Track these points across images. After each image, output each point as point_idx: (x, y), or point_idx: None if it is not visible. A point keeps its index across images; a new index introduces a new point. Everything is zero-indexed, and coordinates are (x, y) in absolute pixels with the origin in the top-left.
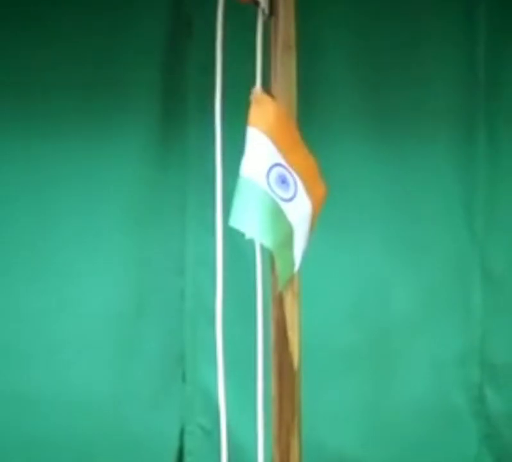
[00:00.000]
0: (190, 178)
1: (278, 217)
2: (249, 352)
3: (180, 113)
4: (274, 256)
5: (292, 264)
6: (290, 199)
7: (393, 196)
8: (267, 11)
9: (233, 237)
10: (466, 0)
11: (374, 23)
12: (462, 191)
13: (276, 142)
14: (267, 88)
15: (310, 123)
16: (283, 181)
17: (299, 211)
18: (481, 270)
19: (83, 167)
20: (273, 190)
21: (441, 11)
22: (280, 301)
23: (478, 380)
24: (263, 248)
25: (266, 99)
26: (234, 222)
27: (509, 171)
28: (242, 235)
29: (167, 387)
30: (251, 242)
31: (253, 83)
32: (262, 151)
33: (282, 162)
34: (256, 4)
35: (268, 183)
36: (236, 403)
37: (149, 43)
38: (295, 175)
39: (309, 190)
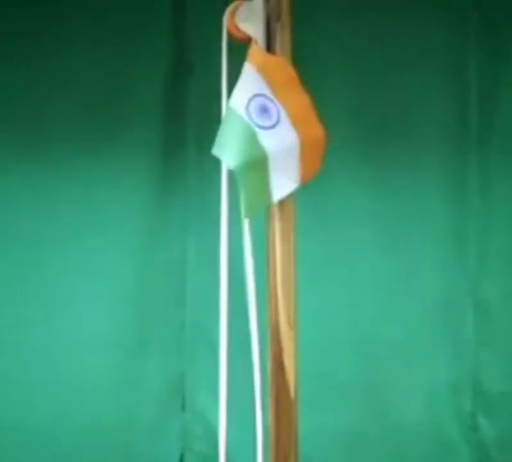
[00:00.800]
0: (191, 211)
1: (249, 141)
2: (248, 381)
3: (181, 152)
4: (238, 178)
5: (266, 194)
6: (271, 128)
7: (384, 227)
8: (264, 49)
9: (235, 270)
10: (457, 30)
11: (363, 53)
12: (454, 221)
13: (266, 77)
14: None
15: None
16: (264, 110)
17: (280, 141)
18: (473, 300)
19: (84, 198)
20: (251, 118)
21: (432, 40)
22: (276, 331)
23: (470, 409)
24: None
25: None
26: (216, 151)
27: (501, 201)
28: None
29: (166, 416)
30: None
31: None
32: (249, 82)
33: (268, 93)
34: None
35: (247, 111)
36: (235, 431)
37: (151, 84)
38: (281, 107)
39: (298, 126)
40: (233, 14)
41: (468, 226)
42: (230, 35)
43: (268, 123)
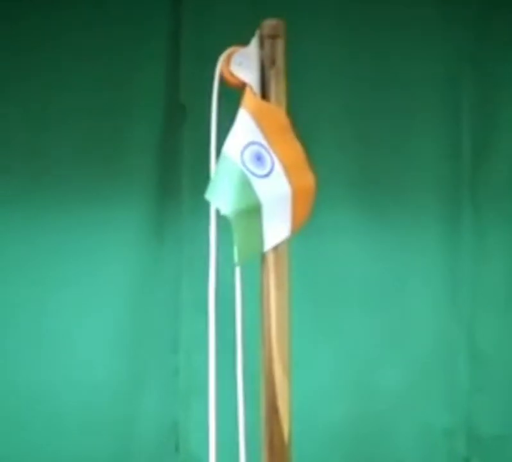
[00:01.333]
0: (185, 256)
1: (244, 188)
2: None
3: (176, 196)
4: (232, 225)
5: (259, 241)
6: (264, 176)
7: (380, 274)
8: (259, 95)
9: (225, 317)
10: (451, 72)
11: (356, 98)
12: (448, 267)
13: (261, 125)
14: None
15: None
16: (258, 158)
17: (273, 190)
18: (467, 345)
19: (79, 240)
20: (245, 165)
21: (426, 85)
22: (270, 377)
23: (465, 453)
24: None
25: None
26: (210, 196)
27: (495, 247)
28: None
29: (160, 457)
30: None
31: None
32: (244, 129)
33: (262, 141)
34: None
35: (242, 158)
36: None
37: (144, 128)
38: (274, 156)
39: (290, 175)
40: (227, 59)
41: (462, 269)
42: (223, 81)
43: (262, 172)
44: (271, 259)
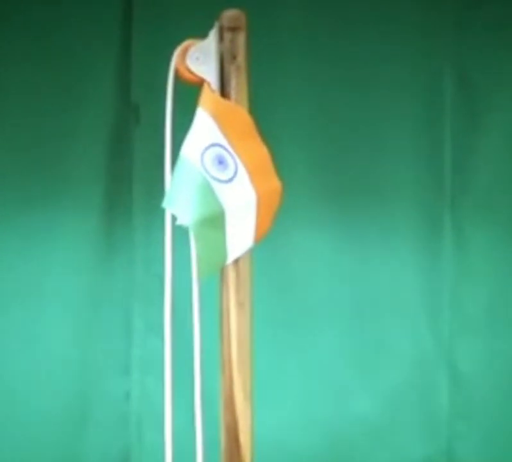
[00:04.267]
0: (137, 274)
1: (206, 195)
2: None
3: (126, 209)
4: (193, 235)
5: (222, 252)
6: (227, 181)
7: (353, 294)
8: (218, 93)
9: (181, 337)
10: (431, 74)
11: (329, 98)
12: (426, 285)
13: (222, 125)
14: None
15: None
16: (220, 161)
17: (237, 196)
18: (447, 371)
19: (25, 260)
20: (206, 170)
21: (403, 83)
22: (230, 404)
23: None
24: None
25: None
26: (168, 205)
27: (476, 264)
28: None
29: None
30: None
31: None
32: (204, 131)
33: (224, 143)
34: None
35: (202, 162)
36: None
37: (93, 129)
38: (237, 159)
39: (255, 180)
40: (183, 54)
41: (441, 287)
42: (179, 77)
43: (225, 176)
44: (231, 274)
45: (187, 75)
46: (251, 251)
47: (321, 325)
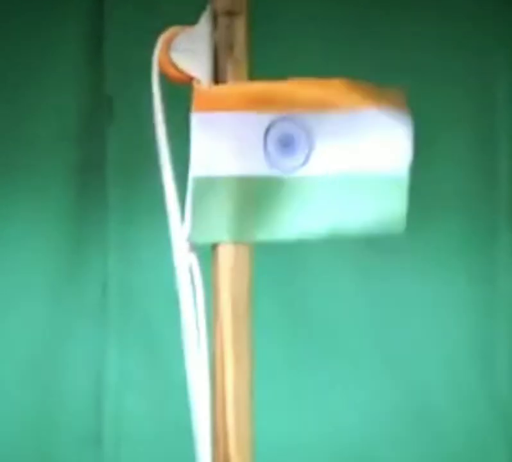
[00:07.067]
0: (112, 284)
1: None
2: None
3: (100, 198)
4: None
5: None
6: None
7: (375, 315)
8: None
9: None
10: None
11: None
12: (476, 314)
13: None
14: None
15: None
16: (283, 143)
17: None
18: (505, 438)
19: None
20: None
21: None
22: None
23: None
24: None
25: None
26: (198, 237)
27: None
28: None
29: None
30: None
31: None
32: (219, 132)
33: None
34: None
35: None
36: None
37: (60, 124)
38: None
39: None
40: (166, 45)
41: (496, 318)
42: (162, 73)
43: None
44: (226, 319)
45: (171, 71)
46: (251, 292)
47: (343, 376)
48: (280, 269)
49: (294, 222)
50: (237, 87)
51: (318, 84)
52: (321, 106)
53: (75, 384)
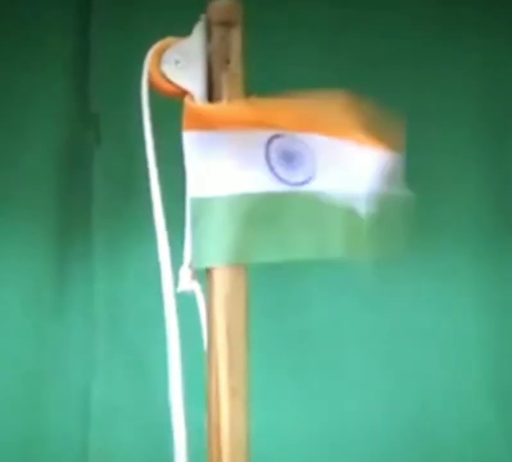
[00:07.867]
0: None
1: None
2: None
3: (85, 223)
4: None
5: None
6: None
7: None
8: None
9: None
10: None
11: None
12: (486, 331)
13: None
14: None
15: None
16: (286, 158)
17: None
18: None
19: None
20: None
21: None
22: None
23: None
24: None
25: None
26: (203, 261)
27: None
28: None
29: None
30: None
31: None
32: (214, 151)
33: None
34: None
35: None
36: None
37: (43, 144)
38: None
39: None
40: (157, 57)
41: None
42: (153, 87)
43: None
44: (221, 349)
45: (163, 85)
46: (246, 319)
47: (346, 403)
48: (276, 288)
49: (294, 240)
50: (230, 107)
51: (313, 104)
52: (311, 128)
53: (61, 412)
